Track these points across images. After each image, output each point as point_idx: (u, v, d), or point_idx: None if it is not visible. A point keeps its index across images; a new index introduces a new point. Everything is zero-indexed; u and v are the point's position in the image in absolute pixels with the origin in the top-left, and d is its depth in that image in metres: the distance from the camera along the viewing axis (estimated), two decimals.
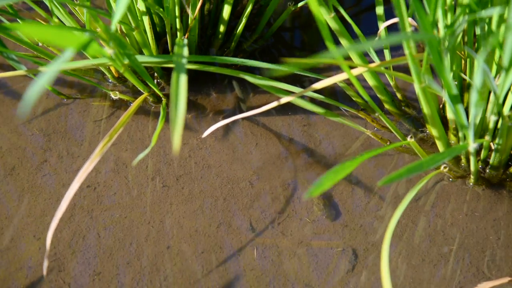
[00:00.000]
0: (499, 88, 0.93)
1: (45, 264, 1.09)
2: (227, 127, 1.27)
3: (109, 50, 0.97)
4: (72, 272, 1.10)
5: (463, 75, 1.08)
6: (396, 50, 1.37)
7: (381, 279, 1.08)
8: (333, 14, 1.07)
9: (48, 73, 0.71)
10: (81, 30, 1.09)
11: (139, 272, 1.10)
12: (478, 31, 1.00)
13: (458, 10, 0.93)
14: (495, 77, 1.03)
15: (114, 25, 0.90)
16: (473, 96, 0.89)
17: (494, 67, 1.02)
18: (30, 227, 1.15)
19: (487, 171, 1.16)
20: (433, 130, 1.10)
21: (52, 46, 1.32)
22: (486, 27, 0.96)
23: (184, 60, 0.94)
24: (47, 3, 1.16)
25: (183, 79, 0.85)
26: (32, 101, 0.72)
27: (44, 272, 1.09)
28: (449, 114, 1.13)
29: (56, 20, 1.16)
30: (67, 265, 1.11)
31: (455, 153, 0.94)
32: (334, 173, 0.81)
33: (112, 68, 1.30)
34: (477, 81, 0.86)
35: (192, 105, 1.31)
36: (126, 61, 1.07)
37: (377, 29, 1.19)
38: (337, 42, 1.30)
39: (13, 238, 1.14)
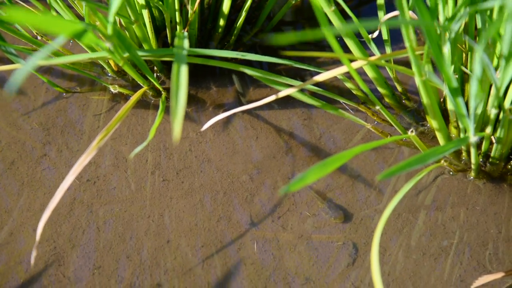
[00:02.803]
0: (499, 80, 0.92)
1: (33, 253, 1.08)
2: (227, 121, 1.27)
3: (107, 43, 0.97)
4: (72, 266, 1.10)
5: (464, 68, 1.08)
6: (397, 43, 1.36)
7: (381, 273, 1.08)
8: (333, 8, 1.07)
9: (38, 56, 0.70)
10: (80, 23, 1.09)
11: (139, 266, 1.10)
12: (479, 24, 1.00)
13: (459, 2, 0.93)
14: (496, 70, 1.02)
15: (112, 16, 0.89)
16: (473, 87, 0.88)
17: (495, 61, 1.02)
18: (30, 221, 1.15)
19: (488, 164, 1.15)
20: (433, 123, 1.09)
21: (51, 40, 1.32)
22: (487, 19, 0.95)
23: (185, 49, 0.94)
24: None
25: (184, 69, 0.85)
26: (17, 84, 0.72)
27: (32, 262, 1.09)
28: (450, 107, 1.13)
29: (54, 13, 1.16)
30: (67, 259, 1.10)
31: (456, 146, 0.93)
32: (320, 167, 0.78)
33: (111, 62, 1.30)
34: (476, 70, 0.85)
35: (192, 99, 1.30)
36: (126, 55, 1.06)
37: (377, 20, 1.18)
38: (337, 36, 1.30)
39: (13, 232, 1.14)
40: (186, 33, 1.04)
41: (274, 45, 1.39)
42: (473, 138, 0.98)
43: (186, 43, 0.99)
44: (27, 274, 1.09)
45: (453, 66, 1.04)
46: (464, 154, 1.17)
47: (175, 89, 0.82)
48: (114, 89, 1.28)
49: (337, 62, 1.35)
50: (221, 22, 1.29)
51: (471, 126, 0.97)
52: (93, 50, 1.23)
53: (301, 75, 1.34)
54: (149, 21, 1.21)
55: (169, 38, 1.26)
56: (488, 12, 0.96)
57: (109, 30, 0.90)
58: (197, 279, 1.08)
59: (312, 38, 0.73)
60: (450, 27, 0.91)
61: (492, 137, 1.10)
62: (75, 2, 1.21)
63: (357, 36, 1.14)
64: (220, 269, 1.09)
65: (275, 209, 1.16)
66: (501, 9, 0.86)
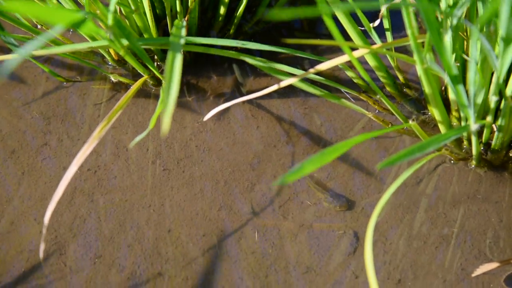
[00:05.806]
0: (499, 65, 0.92)
1: (42, 247, 1.08)
2: (227, 110, 1.26)
3: (107, 32, 0.96)
4: (73, 255, 1.10)
5: (465, 56, 1.07)
6: (398, 32, 1.36)
7: (382, 262, 1.08)
8: None
9: (34, 44, 0.70)
10: (79, 12, 1.08)
11: (140, 256, 1.10)
12: (480, 11, 0.99)
13: None
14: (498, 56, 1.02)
15: (113, 5, 0.89)
16: (471, 72, 0.88)
17: (497, 48, 1.01)
18: (31, 210, 1.15)
19: (489, 153, 1.15)
20: (435, 112, 1.09)
21: (51, 28, 1.31)
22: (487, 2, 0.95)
23: (182, 40, 0.93)
24: None
25: (178, 58, 0.84)
26: (11, 68, 0.72)
27: (41, 255, 1.09)
28: (451, 95, 1.12)
29: (54, 1, 1.15)
30: (68, 248, 1.10)
31: (457, 134, 0.93)
32: (317, 157, 0.77)
33: (111, 51, 1.30)
34: (473, 54, 0.84)
35: (192, 88, 1.30)
36: (126, 43, 1.06)
37: (379, 9, 1.18)
38: (338, 24, 1.29)
39: (14, 221, 1.14)
40: (184, 22, 1.04)
41: (275, 34, 1.39)
42: (474, 126, 0.98)
43: (183, 32, 0.98)
44: (28, 263, 1.09)
45: (454, 54, 1.03)
46: (465, 142, 1.16)
47: (168, 76, 0.81)
48: (114, 78, 1.28)
49: (336, 51, 1.35)
50: (222, 10, 1.28)
51: (471, 114, 0.96)
52: (93, 39, 1.23)
53: (301, 64, 1.34)
54: (149, 10, 1.20)
55: (169, 27, 1.26)
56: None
57: (110, 20, 0.90)
58: (198, 268, 1.09)
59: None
60: (452, 14, 0.91)
61: (494, 125, 1.10)
62: None
63: (358, 25, 1.13)
64: (221, 258, 1.09)
65: (276, 198, 1.16)
66: None
